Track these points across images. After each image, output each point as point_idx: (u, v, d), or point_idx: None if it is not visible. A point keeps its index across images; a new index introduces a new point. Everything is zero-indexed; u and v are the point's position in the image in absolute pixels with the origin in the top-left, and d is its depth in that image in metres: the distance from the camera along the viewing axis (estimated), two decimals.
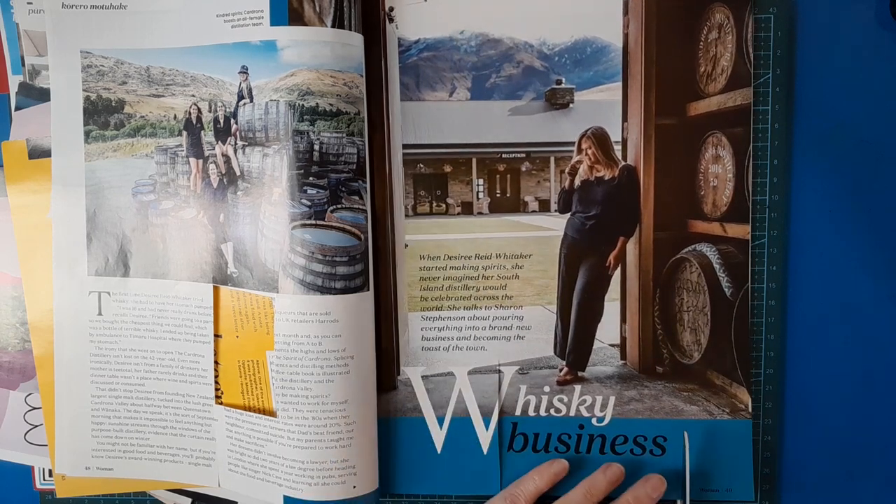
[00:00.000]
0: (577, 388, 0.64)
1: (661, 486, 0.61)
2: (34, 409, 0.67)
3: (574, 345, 0.64)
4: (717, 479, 0.64)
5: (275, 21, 0.59)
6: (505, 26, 0.63)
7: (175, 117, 0.63)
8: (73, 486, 0.66)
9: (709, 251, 0.63)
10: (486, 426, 0.65)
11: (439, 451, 0.65)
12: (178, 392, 0.64)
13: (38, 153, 0.64)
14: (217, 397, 0.64)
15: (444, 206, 0.65)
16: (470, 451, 0.65)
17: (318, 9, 0.59)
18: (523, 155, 0.64)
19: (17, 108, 0.64)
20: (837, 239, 0.64)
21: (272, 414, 0.62)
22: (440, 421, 0.65)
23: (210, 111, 0.62)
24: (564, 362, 0.64)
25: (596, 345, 0.64)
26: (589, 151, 0.63)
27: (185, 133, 0.63)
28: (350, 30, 0.60)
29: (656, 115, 0.63)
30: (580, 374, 0.64)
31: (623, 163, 0.63)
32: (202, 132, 0.63)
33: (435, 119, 0.64)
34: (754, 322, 0.64)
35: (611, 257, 0.64)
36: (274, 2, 0.59)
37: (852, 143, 0.63)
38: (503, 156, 0.64)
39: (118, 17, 0.62)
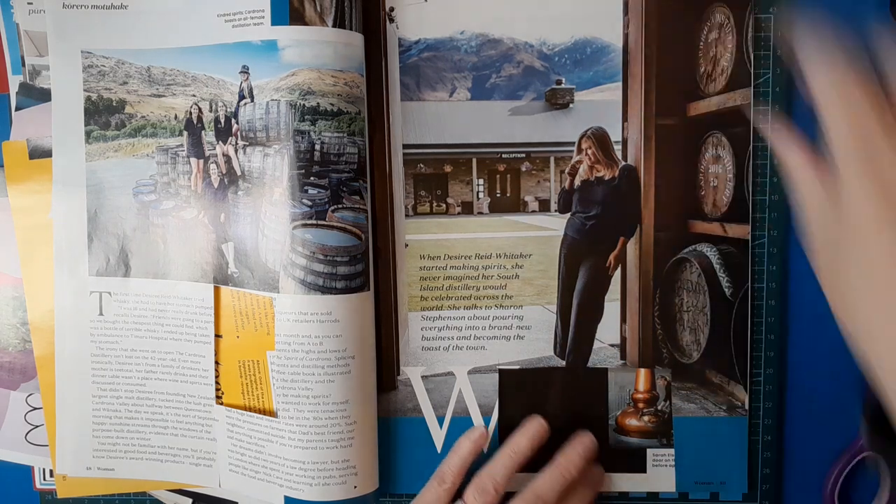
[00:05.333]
0: None
1: (591, 445, 0.62)
2: (35, 409, 0.67)
3: (574, 345, 0.64)
4: (712, 472, 0.65)
5: (276, 21, 0.59)
6: (505, 26, 0.63)
7: (176, 117, 0.63)
8: (74, 487, 0.66)
9: (709, 251, 0.63)
10: (487, 426, 0.65)
11: (439, 450, 0.65)
12: (178, 392, 0.64)
13: (39, 153, 0.64)
14: (218, 397, 0.64)
15: (444, 206, 0.65)
16: None
17: (318, 8, 0.59)
18: (523, 155, 0.64)
19: (17, 109, 0.64)
20: None
21: (273, 414, 0.62)
22: (440, 421, 0.65)
23: (211, 111, 0.62)
24: (565, 363, 0.65)
25: (596, 345, 0.64)
26: (589, 151, 0.63)
27: (185, 133, 0.63)
28: (351, 29, 0.60)
29: (656, 115, 0.63)
30: None
31: (623, 163, 0.63)
32: (203, 132, 0.63)
33: (435, 119, 0.64)
34: (754, 322, 0.64)
35: (611, 257, 0.64)
36: (275, 1, 0.59)
37: None
38: (503, 156, 0.65)
39: (119, 18, 0.62)
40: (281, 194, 0.60)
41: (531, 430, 0.62)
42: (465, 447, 0.63)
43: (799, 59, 0.47)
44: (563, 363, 0.65)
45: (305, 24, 0.59)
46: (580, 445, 0.62)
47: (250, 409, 0.63)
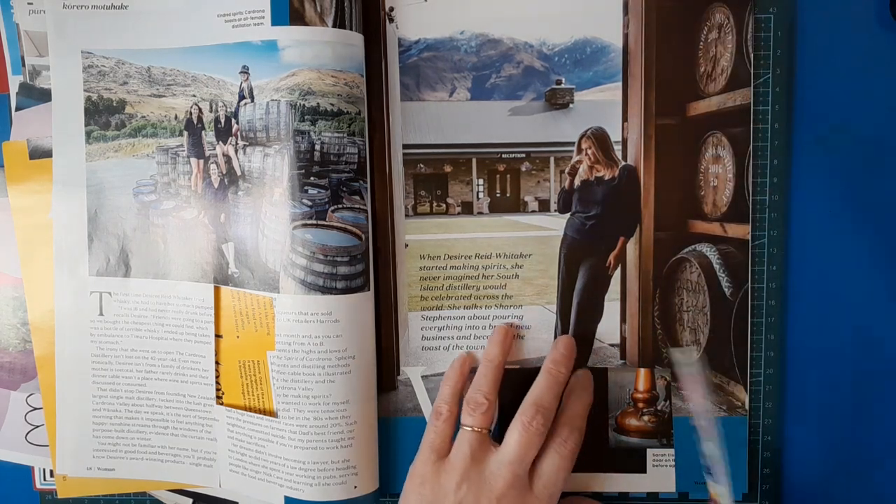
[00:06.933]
0: None
1: (570, 343, 0.63)
2: (35, 409, 0.67)
3: None
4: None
5: (276, 21, 0.59)
6: (505, 26, 0.63)
7: (176, 117, 0.63)
8: (74, 487, 0.66)
9: (709, 251, 0.63)
10: None
11: None
12: (179, 392, 0.64)
13: (39, 153, 0.64)
14: (218, 398, 0.64)
15: (444, 206, 0.65)
16: None
17: (318, 9, 0.59)
18: (523, 155, 0.64)
19: (17, 109, 0.64)
20: (837, 239, 0.64)
21: (273, 414, 0.62)
22: None
23: (211, 111, 0.62)
24: None
25: (596, 344, 0.64)
26: (589, 151, 0.63)
27: (186, 133, 0.63)
28: (351, 30, 0.60)
29: (656, 115, 0.63)
30: None
31: (623, 163, 0.63)
32: (203, 132, 0.63)
33: (435, 119, 0.64)
34: (754, 322, 0.64)
35: (611, 257, 0.64)
36: (275, 2, 0.59)
37: (852, 143, 0.63)
38: (503, 156, 0.65)
39: (119, 18, 0.62)
40: (281, 194, 0.60)
41: (498, 336, 0.63)
42: (452, 376, 0.63)
43: None
44: None
45: (305, 24, 0.59)
46: (560, 345, 0.63)
47: (250, 409, 0.63)
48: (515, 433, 0.59)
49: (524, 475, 0.58)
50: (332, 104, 0.60)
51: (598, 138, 0.63)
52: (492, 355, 0.62)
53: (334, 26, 0.59)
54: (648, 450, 0.65)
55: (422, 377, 0.65)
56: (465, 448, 0.59)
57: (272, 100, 0.60)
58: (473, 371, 0.63)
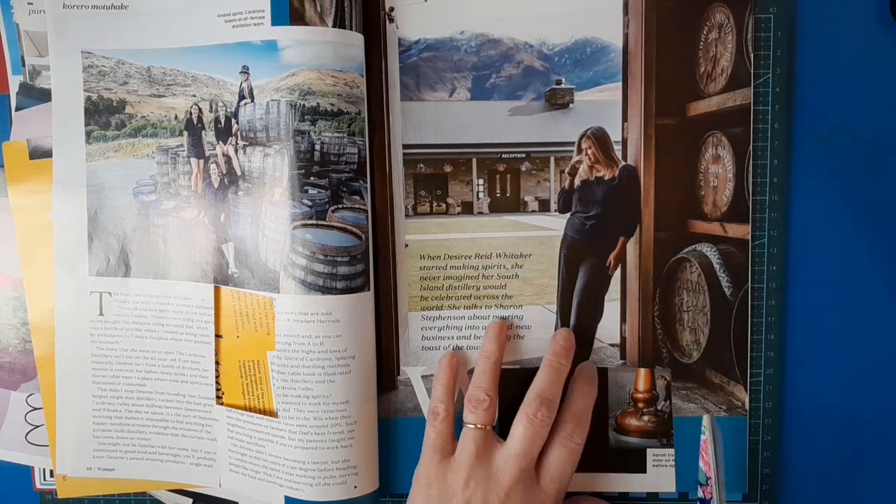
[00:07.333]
0: None
1: (568, 335, 0.63)
2: (35, 409, 0.67)
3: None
4: None
5: (276, 21, 0.59)
6: (505, 26, 0.63)
7: (176, 117, 0.63)
8: (74, 487, 0.66)
9: (709, 251, 0.63)
10: None
11: None
12: (179, 392, 0.64)
13: (39, 153, 0.64)
14: (218, 397, 0.64)
15: (444, 206, 0.65)
16: None
17: (318, 8, 0.59)
18: (523, 155, 0.64)
19: (17, 109, 0.64)
20: (837, 239, 0.64)
21: (273, 414, 0.62)
22: None
23: (211, 111, 0.62)
24: None
25: (596, 344, 0.64)
26: (589, 151, 0.63)
27: (186, 133, 0.63)
28: (351, 30, 0.60)
29: (656, 115, 0.63)
30: None
31: (623, 163, 0.63)
32: (203, 132, 0.63)
33: (435, 119, 0.64)
34: (754, 322, 0.64)
35: (611, 257, 0.64)
36: (275, 2, 0.59)
37: (852, 143, 0.63)
38: (503, 156, 0.65)
39: (119, 18, 0.62)
40: (281, 194, 0.60)
41: (493, 332, 0.63)
42: (442, 375, 0.63)
43: None
44: None
45: (305, 24, 0.59)
46: (559, 338, 0.63)
47: (250, 409, 0.63)
48: (520, 426, 0.59)
49: (531, 468, 0.59)
50: (332, 104, 0.60)
51: (598, 138, 0.63)
52: (489, 351, 0.62)
53: (334, 26, 0.59)
54: (648, 450, 0.65)
55: (422, 377, 0.65)
56: (471, 446, 0.59)
57: (272, 100, 0.60)
58: (470, 371, 0.64)
